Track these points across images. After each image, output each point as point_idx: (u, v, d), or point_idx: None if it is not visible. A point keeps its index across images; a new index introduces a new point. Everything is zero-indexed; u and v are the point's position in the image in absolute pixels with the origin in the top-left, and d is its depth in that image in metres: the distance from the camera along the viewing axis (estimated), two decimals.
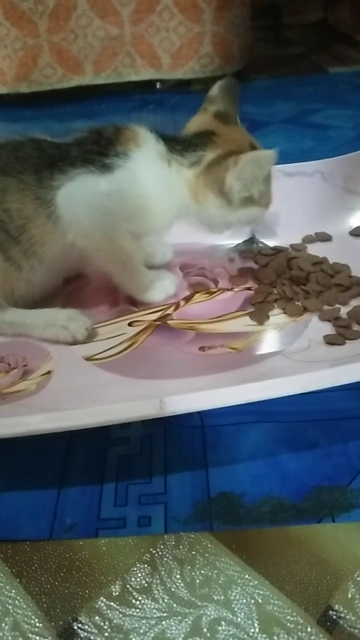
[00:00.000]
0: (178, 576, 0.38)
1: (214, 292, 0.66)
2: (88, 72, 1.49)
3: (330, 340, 0.55)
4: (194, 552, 0.39)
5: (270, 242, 0.73)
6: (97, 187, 0.55)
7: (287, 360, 0.54)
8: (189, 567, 0.38)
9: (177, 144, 0.58)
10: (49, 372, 0.55)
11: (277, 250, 0.71)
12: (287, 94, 1.42)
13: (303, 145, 1.09)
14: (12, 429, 0.42)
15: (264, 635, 0.34)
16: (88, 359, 0.57)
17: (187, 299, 0.65)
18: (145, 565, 0.39)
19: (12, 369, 0.56)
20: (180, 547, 0.40)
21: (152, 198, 0.57)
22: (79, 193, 0.55)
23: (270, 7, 2.17)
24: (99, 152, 0.56)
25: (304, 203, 0.74)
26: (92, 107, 1.47)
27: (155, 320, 0.61)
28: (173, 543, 0.40)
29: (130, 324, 0.61)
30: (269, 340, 0.57)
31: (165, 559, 0.39)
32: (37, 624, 0.36)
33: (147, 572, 0.38)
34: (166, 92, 1.53)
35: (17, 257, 0.57)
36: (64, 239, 0.56)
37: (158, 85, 1.55)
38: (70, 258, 0.60)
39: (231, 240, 0.72)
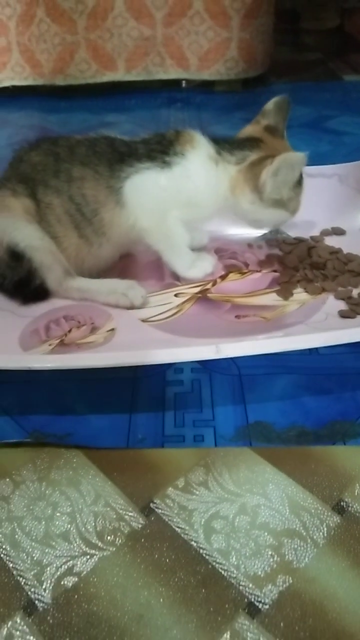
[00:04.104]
0: (227, 476, 0.51)
1: (245, 273, 0.78)
2: (120, 68, 1.60)
3: (344, 314, 0.68)
4: (238, 460, 0.52)
5: (293, 233, 0.85)
6: (158, 180, 0.68)
7: (308, 328, 0.66)
8: (235, 470, 0.51)
9: (228, 144, 0.70)
10: (113, 329, 0.67)
11: (299, 240, 0.83)
12: (305, 99, 1.53)
13: (320, 149, 1.21)
14: (107, 361, 0.55)
15: (293, 516, 0.47)
16: (144, 320, 0.69)
17: (223, 277, 0.77)
18: (202, 468, 0.52)
19: (81, 325, 0.68)
20: (228, 456, 0.52)
21: (200, 192, 0.70)
22: (142, 184, 0.68)
23: (290, 11, 2.29)
24: (161, 150, 0.68)
25: (323, 201, 0.86)
26: (122, 102, 1.58)
27: (197, 293, 0.74)
28: (222, 454, 0.53)
29: (176, 295, 0.74)
30: (293, 312, 0.70)
31: (216, 464, 0.52)
32: (124, 503, 0.49)
33: (203, 472, 0.51)
34: (191, 91, 1.64)
35: (89, 236, 0.69)
36: (128, 221, 0.69)
37: (184, 84, 1.67)
38: (130, 237, 0.72)
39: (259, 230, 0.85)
